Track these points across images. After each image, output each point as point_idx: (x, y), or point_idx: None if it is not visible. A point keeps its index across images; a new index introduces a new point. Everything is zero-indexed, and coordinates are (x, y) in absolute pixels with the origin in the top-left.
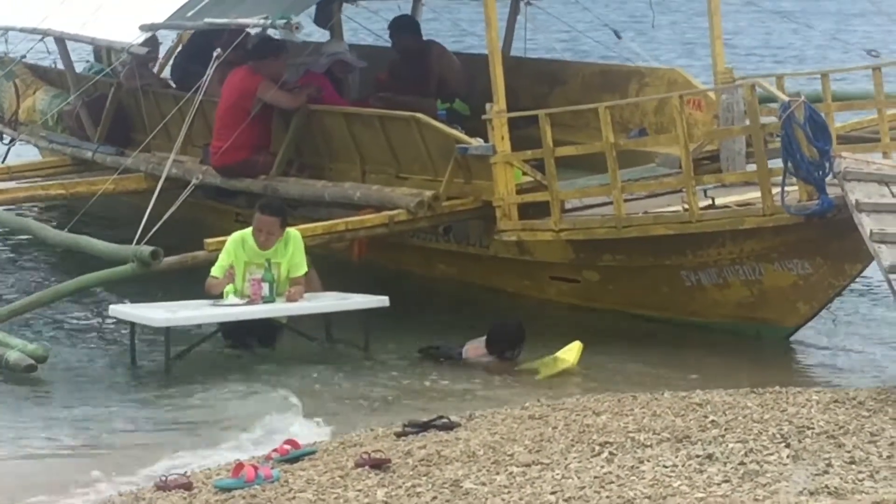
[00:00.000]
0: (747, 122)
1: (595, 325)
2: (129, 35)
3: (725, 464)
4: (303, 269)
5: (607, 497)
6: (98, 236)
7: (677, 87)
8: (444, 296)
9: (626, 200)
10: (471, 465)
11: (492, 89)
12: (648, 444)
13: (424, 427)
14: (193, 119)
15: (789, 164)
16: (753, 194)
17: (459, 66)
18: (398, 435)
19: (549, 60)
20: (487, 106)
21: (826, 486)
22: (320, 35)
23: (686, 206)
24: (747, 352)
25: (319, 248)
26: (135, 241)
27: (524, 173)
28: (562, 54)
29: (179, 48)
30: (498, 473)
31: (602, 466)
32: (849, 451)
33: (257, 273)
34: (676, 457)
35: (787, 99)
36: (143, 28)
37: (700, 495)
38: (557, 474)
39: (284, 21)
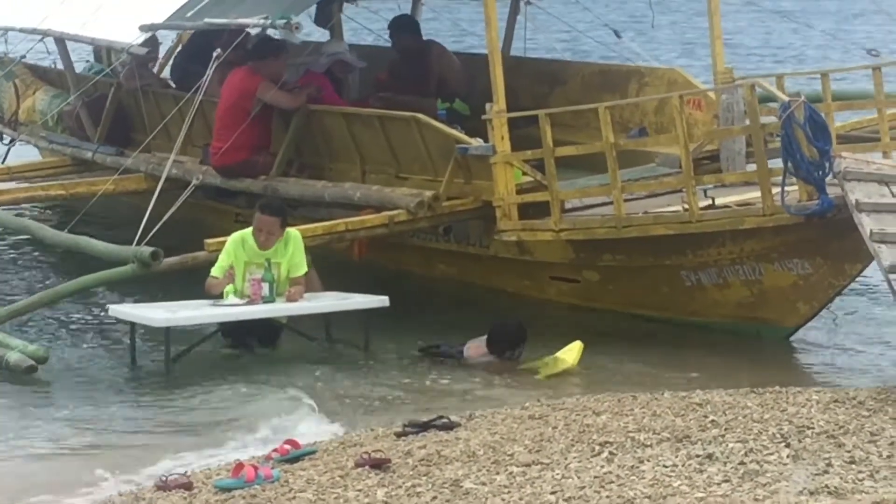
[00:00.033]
0: (747, 122)
1: (595, 325)
2: (128, 35)
3: (725, 463)
4: (303, 269)
5: (607, 497)
6: (98, 236)
7: (677, 87)
8: (444, 296)
9: (626, 200)
10: (471, 464)
11: (492, 89)
12: (648, 443)
13: (424, 427)
14: (193, 119)
15: (789, 164)
16: (753, 194)
17: (459, 65)
18: (398, 435)
19: (548, 60)
20: (487, 106)
21: (826, 486)
22: (320, 35)
23: (686, 206)
24: (747, 352)
25: (319, 248)
26: (135, 242)
27: (524, 173)
28: (562, 54)
29: (179, 48)
30: (498, 473)
31: (602, 466)
32: (849, 451)
33: (257, 273)
34: (676, 456)
35: (787, 99)
36: (143, 28)
37: (700, 495)
38: (557, 474)
39: (284, 21)
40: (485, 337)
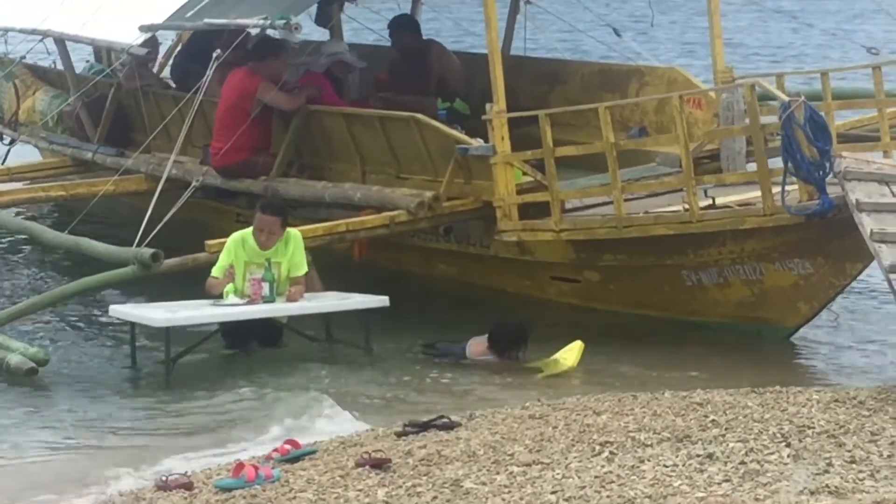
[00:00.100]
0: (747, 122)
1: (596, 324)
2: (128, 36)
3: (726, 463)
4: (303, 268)
5: (608, 496)
6: (98, 237)
7: (677, 86)
8: (444, 296)
9: (626, 200)
10: (471, 464)
11: (492, 89)
12: (649, 443)
13: (425, 427)
14: (193, 120)
15: (789, 165)
16: (754, 194)
17: (459, 65)
18: (398, 435)
19: (548, 60)
20: (487, 106)
21: (827, 486)
22: (320, 35)
23: (686, 206)
24: (748, 351)
25: (320, 249)
26: (135, 243)
27: (524, 173)
28: (562, 54)
29: (179, 48)
30: (498, 473)
31: (602, 466)
32: (849, 451)
33: (257, 273)
34: (677, 456)
35: (787, 99)
36: (143, 29)
37: (700, 495)
38: (558, 474)
39: (284, 21)
40: (487, 335)
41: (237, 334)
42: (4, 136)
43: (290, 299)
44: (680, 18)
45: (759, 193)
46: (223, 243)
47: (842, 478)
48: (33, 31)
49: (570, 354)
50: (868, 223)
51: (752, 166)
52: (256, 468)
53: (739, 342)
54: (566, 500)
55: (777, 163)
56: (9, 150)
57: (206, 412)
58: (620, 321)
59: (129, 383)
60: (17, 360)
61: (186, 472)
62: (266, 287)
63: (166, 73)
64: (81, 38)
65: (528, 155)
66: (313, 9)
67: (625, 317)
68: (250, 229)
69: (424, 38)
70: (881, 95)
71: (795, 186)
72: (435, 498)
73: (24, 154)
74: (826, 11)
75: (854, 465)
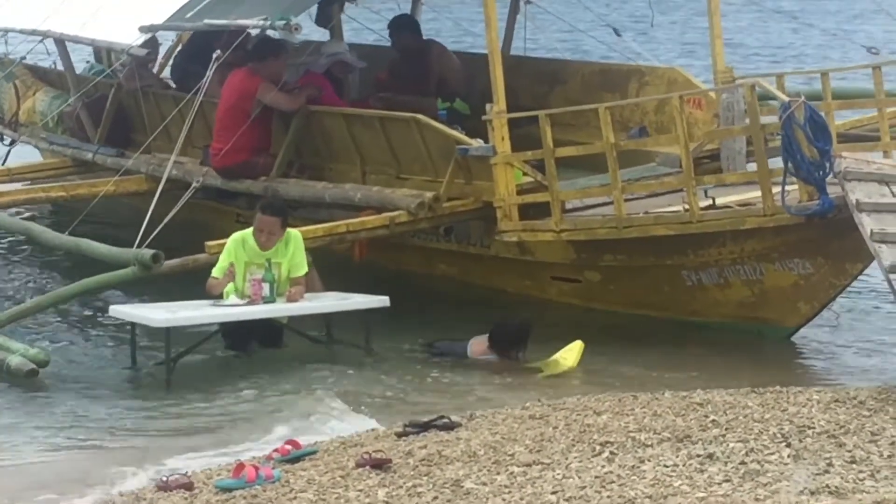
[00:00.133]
0: (747, 122)
1: (596, 325)
2: (128, 36)
3: (726, 463)
4: (303, 269)
5: (608, 497)
6: (99, 237)
7: (677, 86)
8: (444, 296)
9: (626, 200)
10: (472, 465)
11: (492, 89)
12: (649, 443)
13: (425, 427)
14: (193, 120)
15: (789, 165)
16: (754, 194)
17: (459, 65)
18: (399, 435)
19: (548, 60)
20: (487, 106)
21: (827, 486)
22: (320, 35)
23: (687, 207)
24: (748, 351)
25: (320, 249)
26: (136, 244)
27: (524, 174)
28: (562, 54)
29: (179, 48)
30: (499, 473)
31: (603, 466)
32: (850, 451)
33: (258, 273)
34: (677, 456)
35: (787, 99)
36: (143, 29)
37: (701, 495)
38: (558, 474)
39: (284, 22)
40: (487, 335)
41: (237, 335)
42: (5, 137)
43: (291, 300)
44: (680, 19)
45: (759, 193)
46: (223, 244)
47: (842, 478)
48: (33, 32)
49: (570, 354)
50: (868, 223)
51: (753, 166)
52: (257, 468)
53: (740, 342)
54: (567, 500)
55: (777, 163)
56: (9, 151)
57: (207, 412)
58: (621, 321)
59: (129, 384)
60: (17, 361)
61: (187, 472)
62: (266, 287)
63: (166, 73)
64: (81, 39)
65: (528, 155)
66: (313, 9)
67: (625, 317)
68: (250, 230)
69: (424, 38)
70: (881, 95)
71: (795, 186)
72: (435, 498)
73: (25, 155)
74: (826, 12)
75: (854, 466)
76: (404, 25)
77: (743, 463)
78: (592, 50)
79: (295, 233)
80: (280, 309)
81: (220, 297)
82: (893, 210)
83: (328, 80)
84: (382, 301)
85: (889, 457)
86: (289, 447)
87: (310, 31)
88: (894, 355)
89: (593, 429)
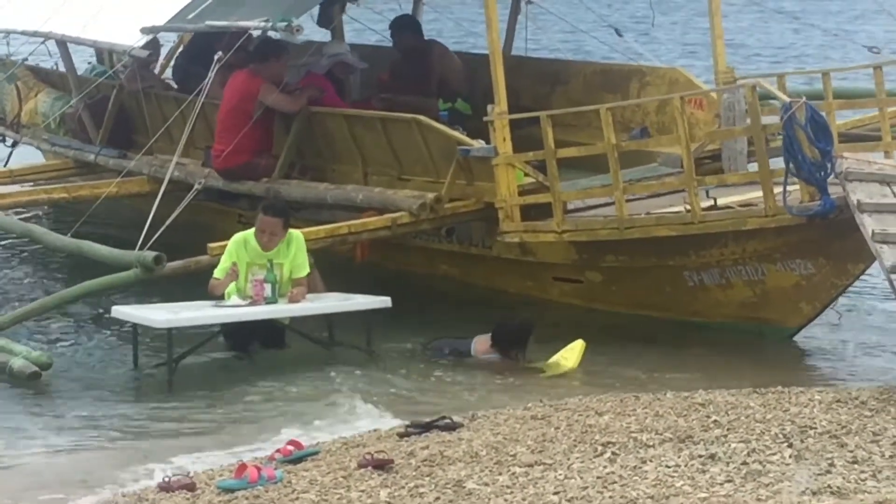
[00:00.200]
0: (748, 122)
1: (598, 325)
2: (130, 37)
3: (728, 464)
4: (305, 269)
5: (610, 497)
6: (101, 238)
7: (678, 87)
8: (446, 297)
9: (628, 200)
10: (473, 465)
11: (493, 89)
12: (651, 444)
13: (427, 427)
14: (195, 121)
15: (791, 165)
16: (755, 194)
17: (461, 65)
18: (401, 435)
19: (550, 60)
20: (489, 107)
21: (829, 486)
22: (321, 35)
23: (688, 207)
24: (750, 352)
25: (322, 250)
26: (138, 246)
27: (526, 174)
28: (563, 54)
29: (181, 49)
30: (501, 474)
31: (605, 466)
32: (851, 451)
33: (259, 274)
34: (679, 457)
35: (788, 100)
36: (144, 30)
37: (703, 495)
38: (560, 474)
39: (285, 24)
40: (490, 334)
41: (239, 335)
42: (7, 138)
43: (292, 300)
44: (681, 19)
45: (760, 194)
46: (225, 246)
47: (844, 478)
48: (35, 33)
49: (571, 354)
50: (869, 224)
51: (754, 166)
52: (259, 469)
53: (741, 343)
54: (568, 500)
55: (778, 163)
56: (11, 152)
57: (209, 413)
58: (622, 322)
59: (131, 385)
60: (20, 363)
61: (189, 472)
62: (268, 288)
63: (167, 73)
64: (83, 40)
65: (529, 156)
66: (315, 10)
67: (627, 317)
68: (252, 230)
69: (426, 38)
70: (882, 95)
71: (797, 187)
72: (437, 499)
73: (27, 156)
74: (827, 12)
75: (856, 466)
76: (405, 26)
77: (745, 463)
78: (594, 50)
79: (296, 233)
80: (282, 310)
81: (222, 297)
82: (894, 210)
83: (329, 81)
84: (384, 302)
85: (891, 457)
86: (291, 448)
87: (311, 31)
88: None
89: (595, 429)
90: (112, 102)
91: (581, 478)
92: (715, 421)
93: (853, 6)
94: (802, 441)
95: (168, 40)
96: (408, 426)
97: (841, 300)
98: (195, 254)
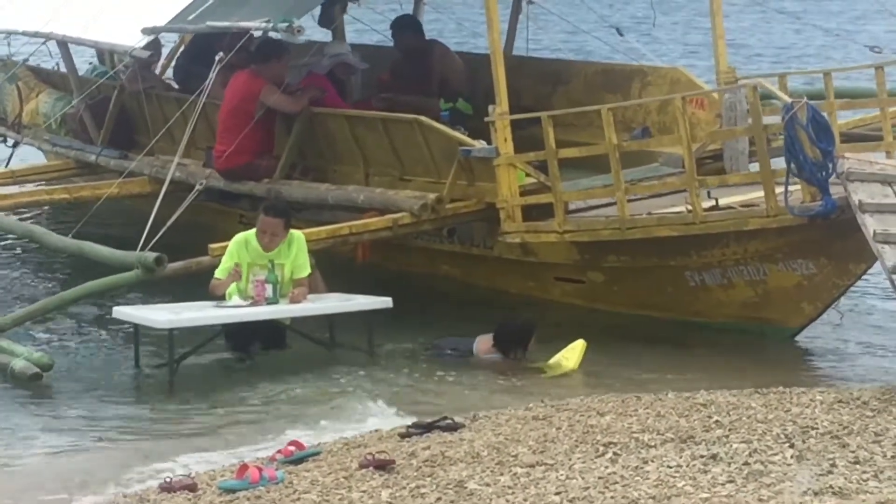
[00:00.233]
0: (750, 121)
1: (599, 325)
2: (131, 38)
3: (730, 464)
4: (306, 270)
5: (612, 497)
6: (102, 237)
7: (680, 87)
8: (448, 297)
9: (629, 200)
10: (475, 465)
11: (494, 89)
12: (653, 444)
13: (428, 428)
14: (196, 122)
15: (792, 165)
16: (757, 194)
17: (462, 65)
18: (402, 436)
19: (551, 60)
20: (490, 108)
21: (830, 487)
22: (322, 35)
23: (690, 208)
24: (751, 352)
25: (323, 251)
26: (139, 247)
27: (527, 175)
28: (565, 54)
29: (182, 49)
30: (502, 474)
31: (606, 467)
32: (853, 451)
33: (261, 274)
34: (681, 457)
35: (789, 100)
36: (146, 31)
37: (704, 495)
38: (562, 475)
39: (286, 24)
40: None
41: (240, 336)
42: (8, 139)
43: (294, 301)
44: (682, 19)
45: (762, 194)
46: (226, 247)
47: (845, 478)
48: (36, 34)
49: (571, 354)
50: (871, 224)
51: (755, 166)
52: (260, 469)
53: (743, 343)
54: (570, 500)
55: (780, 162)
56: (12, 153)
57: (210, 414)
58: (624, 322)
59: (132, 385)
60: (21, 365)
61: (190, 473)
62: (269, 288)
63: (168, 73)
64: (84, 41)
65: (531, 156)
66: (316, 10)
67: (628, 318)
68: (253, 231)
69: (427, 38)
70: (883, 95)
71: (798, 187)
72: (439, 499)
73: (28, 156)
74: (829, 12)
75: (858, 466)
76: (406, 26)
77: (746, 463)
78: (595, 50)
79: (298, 234)
80: (283, 310)
81: (223, 298)
82: None
83: (331, 82)
84: (385, 302)
85: (892, 457)
86: (292, 448)
87: (312, 31)
88: None
89: (597, 430)
90: (113, 103)
91: (583, 478)
92: (717, 421)
93: (854, 6)
94: (804, 441)
95: (169, 41)
96: (409, 427)
97: (843, 300)
98: (196, 254)
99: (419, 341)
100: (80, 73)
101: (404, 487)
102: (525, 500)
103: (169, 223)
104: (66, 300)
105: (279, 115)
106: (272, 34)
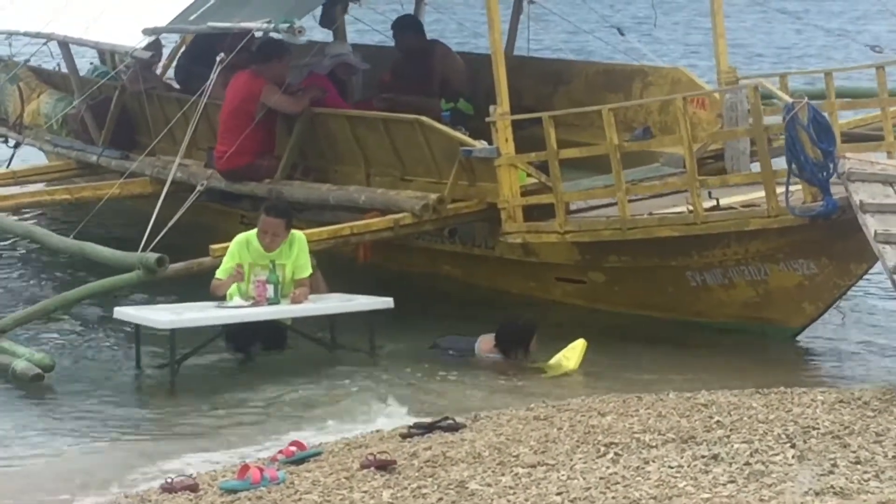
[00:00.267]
0: (751, 121)
1: (600, 325)
2: (132, 39)
3: (731, 464)
4: (307, 270)
5: (613, 498)
6: (103, 238)
7: (681, 86)
8: (449, 297)
9: (630, 200)
10: (476, 466)
11: (495, 89)
12: (654, 444)
13: (430, 428)
14: (197, 122)
15: (793, 166)
16: (758, 194)
17: (463, 65)
18: (403, 436)
19: (552, 60)
20: (491, 108)
21: (831, 487)
22: (323, 36)
23: (691, 208)
24: (752, 352)
25: (324, 251)
26: (140, 248)
27: (528, 175)
28: (566, 54)
29: (183, 49)
30: (503, 474)
31: (607, 467)
32: (854, 452)
33: (262, 275)
34: (682, 457)
35: (790, 101)
36: (147, 32)
37: (706, 496)
38: (563, 475)
39: (288, 25)
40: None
41: (241, 337)
42: (9, 139)
43: (295, 301)
44: (683, 19)
45: (763, 194)
46: (227, 247)
47: (847, 479)
48: (37, 35)
49: (572, 354)
50: (872, 224)
51: (756, 166)
52: (261, 470)
53: (744, 343)
54: (571, 501)
55: (782, 162)
56: (13, 154)
57: (211, 414)
58: (625, 322)
59: (133, 386)
60: (23, 366)
61: (192, 473)
62: (270, 289)
63: (170, 73)
64: (85, 42)
65: (532, 157)
66: (317, 10)
67: (629, 318)
68: (254, 231)
69: (428, 38)
70: (884, 95)
71: (799, 187)
72: (440, 499)
73: (29, 157)
74: (830, 12)
75: (859, 466)
76: (408, 26)
77: (747, 464)
78: (596, 50)
79: (299, 234)
80: (284, 310)
81: (224, 298)
82: None
83: (332, 82)
84: (387, 303)
85: (894, 457)
86: (293, 448)
87: (313, 31)
88: None
89: (598, 430)
90: (114, 103)
91: (584, 478)
92: (718, 421)
93: (855, 6)
94: (805, 441)
95: (170, 41)
96: (410, 427)
97: (844, 300)
98: (197, 254)
99: (420, 342)
100: (82, 74)
101: (406, 488)
102: (526, 500)
103: (170, 224)
104: (68, 301)
105: (280, 115)
106: (273, 34)
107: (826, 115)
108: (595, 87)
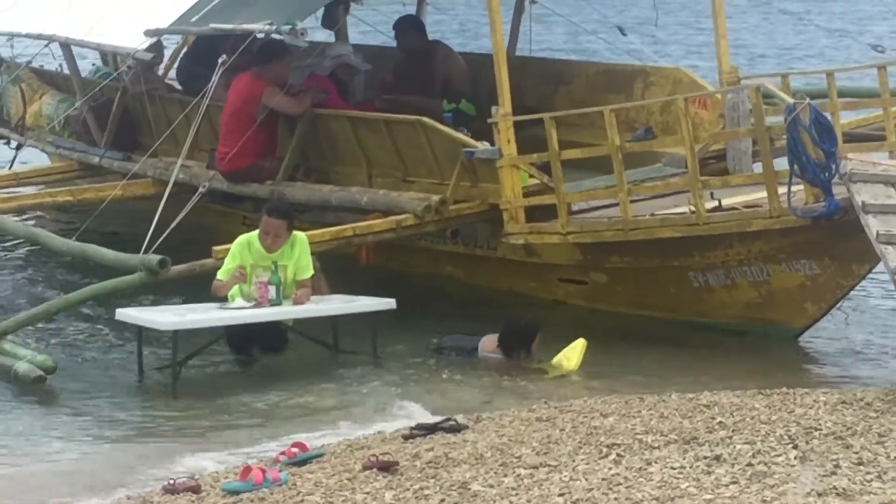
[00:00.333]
0: (752, 122)
1: (602, 326)
2: (134, 40)
3: (733, 465)
4: (309, 271)
5: (615, 499)
6: (105, 239)
7: (682, 87)
8: (451, 298)
9: (632, 201)
10: (478, 467)
11: (497, 90)
12: (656, 445)
13: (432, 429)
14: (199, 123)
15: (795, 167)
16: (760, 194)
17: (465, 66)
18: (406, 437)
19: (553, 60)
20: (493, 109)
21: (834, 488)
22: (324, 36)
23: (693, 209)
24: (755, 353)
25: (326, 252)
26: (143, 249)
27: (530, 176)
28: (567, 54)
29: (185, 50)
30: (506, 475)
31: (610, 468)
32: (857, 452)
33: (264, 276)
34: (684, 458)
35: (792, 101)
36: (148, 33)
37: (708, 497)
38: (565, 476)
39: (290, 27)
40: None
41: (242, 338)
42: (11, 141)
43: (297, 302)
44: (685, 19)
45: (765, 194)
46: (229, 249)
47: (849, 479)
48: (39, 36)
49: (572, 353)
50: (874, 225)
51: (758, 166)
52: (264, 471)
53: (746, 344)
54: (573, 502)
55: (783, 163)
56: (15, 155)
57: (213, 415)
58: (627, 323)
59: (136, 387)
60: (25, 367)
61: (194, 475)
62: (272, 290)
63: (171, 74)
64: (87, 43)
65: (534, 158)
66: (319, 11)
67: (631, 318)
68: (256, 232)
69: (430, 39)
70: (886, 95)
71: (801, 187)
72: (442, 501)
73: (32, 159)
74: (832, 13)
75: (861, 467)
76: (409, 26)
77: (750, 465)
78: (598, 50)
79: (300, 235)
80: (286, 311)
81: (226, 299)
82: None
83: (333, 83)
84: (389, 304)
85: None
86: (295, 450)
87: (315, 32)
88: None
89: (600, 431)
90: (116, 105)
91: (586, 479)
92: (720, 422)
93: (857, 7)
94: (808, 442)
95: (171, 42)
96: (413, 428)
97: (846, 301)
98: (199, 256)
99: (422, 342)
100: (84, 75)
101: (408, 489)
102: (528, 501)
103: (172, 225)
104: (70, 303)
105: (282, 116)
106: (275, 36)
107: (828, 115)
108: (597, 87)
